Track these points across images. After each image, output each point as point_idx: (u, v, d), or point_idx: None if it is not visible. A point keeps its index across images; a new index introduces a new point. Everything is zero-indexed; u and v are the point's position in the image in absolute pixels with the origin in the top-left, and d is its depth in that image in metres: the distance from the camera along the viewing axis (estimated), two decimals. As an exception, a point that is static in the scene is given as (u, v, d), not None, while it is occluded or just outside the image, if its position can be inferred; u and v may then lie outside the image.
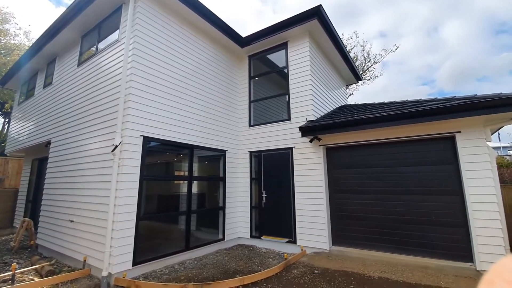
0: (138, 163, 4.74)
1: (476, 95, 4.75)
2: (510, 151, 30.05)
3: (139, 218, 4.64)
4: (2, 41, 15.19)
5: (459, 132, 4.72)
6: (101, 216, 4.57)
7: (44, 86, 8.19)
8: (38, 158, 8.63)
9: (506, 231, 4.21)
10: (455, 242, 4.61)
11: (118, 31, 5.49)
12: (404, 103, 5.98)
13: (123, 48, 5.05)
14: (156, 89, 5.28)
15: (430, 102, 5.18)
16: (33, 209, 8.32)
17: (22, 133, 9.05)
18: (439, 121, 4.64)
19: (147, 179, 5.02)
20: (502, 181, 9.73)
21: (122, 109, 4.69)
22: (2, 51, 14.97)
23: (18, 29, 20.44)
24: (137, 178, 4.68)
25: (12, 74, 9.76)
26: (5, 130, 18.39)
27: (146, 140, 4.93)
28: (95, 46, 6.19)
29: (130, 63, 4.91)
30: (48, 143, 7.05)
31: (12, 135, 10.01)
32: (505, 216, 4.24)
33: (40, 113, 7.94)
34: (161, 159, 6.09)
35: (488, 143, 4.48)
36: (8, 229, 8.95)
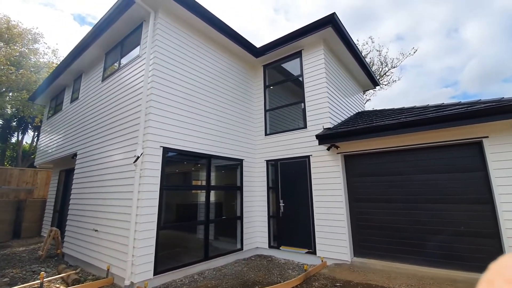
0: (158, 173, 4.87)
1: (503, 98, 4.52)
2: None
3: (159, 227, 4.73)
4: (32, 59, 16.32)
5: (487, 137, 4.49)
6: (123, 226, 4.71)
7: (71, 101, 8.67)
8: (65, 169, 9.07)
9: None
10: (486, 253, 4.33)
11: (139, 47, 5.76)
12: (425, 107, 5.79)
13: (144, 63, 5.28)
14: (175, 101, 5.45)
15: (454, 107, 4.98)
16: (60, 219, 8.69)
17: (50, 145, 9.57)
18: (464, 126, 4.44)
19: (167, 189, 5.13)
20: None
21: (143, 121, 4.87)
22: (32, 69, 16.07)
23: (47, 48, 22.00)
24: (157, 188, 4.79)
25: (42, 91, 10.43)
26: (35, 143, 19.55)
27: (166, 151, 5.07)
28: (117, 62, 6.51)
29: (151, 77, 5.12)
30: (75, 155, 7.41)
31: (41, 148, 10.62)
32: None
33: (67, 127, 8.38)
34: (180, 169, 6.22)
35: (519, 148, 4.23)
36: (36, 238, 9.40)
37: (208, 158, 6.02)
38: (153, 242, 4.59)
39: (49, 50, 19.06)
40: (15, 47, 14.77)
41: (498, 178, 4.27)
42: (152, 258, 4.54)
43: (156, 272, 4.56)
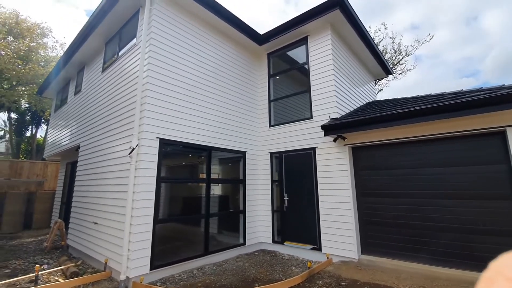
0: (155, 165, 4.69)
1: (532, 82, 4.04)
2: None
3: (156, 221, 4.58)
4: (41, 53, 16.50)
5: (511, 126, 4.04)
6: (119, 219, 4.59)
7: (75, 93, 8.63)
8: (71, 162, 9.11)
9: None
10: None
11: (136, 35, 5.54)
12: (441, 95, 5.33)
13: (140, 52, 5.06)
14: (173, 91, 5.23)
15: (474, 93, 4.52)
16: (66, 211, 8.77)
17: (57, 138, 9.64)
18: (485, 113, 4.00)
19: (164, 182, 4.96)
20: None
21: (138, 112, 4.68)
22: (41, 63, 16.26)
23: (55, 42, 22.21)
24: (153, 181, 4.62)
25: (48, 84, 10.48)
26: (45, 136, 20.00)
27: (163, 142, 4.87)
28: (116, 52, 6.33)
29: (146, 66, 4.90)
30: (78, 147, 7.37)
31: (49, 141, 10.74)
32: None
33: (72, 119, 8.37)
34: (179, 162, 6.03)
35: (550, 138, 3.77)
36: (46, 229, 9.56)
37: (209, 150, 5.80)
38: (149, 236, 4.45)
39: (57, 44, 19.19)
40: (24, 41, 14.92)
41: (524, 172, 3.84)
42: (148, 252, 4.40)
43: (153, 267, 4.43)
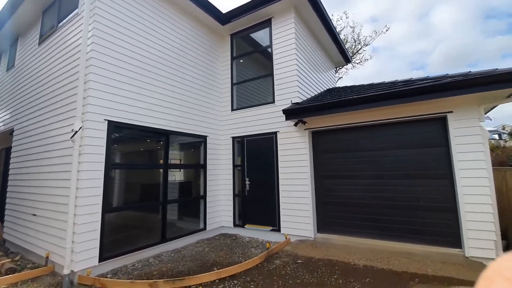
0: (103, 150, 4.28)
1: (470, 71, 4.42)
2: (495, 135, 30.56)
3: (106, 210, 4.23)
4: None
5: (451, 112, 4.41)
6: (61, 209, 4.15)
7: (7, 69, 7.49)
8: (5, 148, 8.00)
9: (497, 216, 4.00)
10: (443, 227, 4.40)
11: (78, 3, 4.86)
12: (393, 83, 5.63)
13: (83, 23, 4.46)
14: (126, 69, 4.75)
15: (422, 81, 4.83)
16: (1, 202, 7.78)
17: (-13, 121, 8.35)
18: (431, 100, 4.31)
19: (115, 168, 4.59)
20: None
21: (82, 90, 4.18)
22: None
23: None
24: (102, 167, 4.22)
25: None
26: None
27: (112, 125, 4.45)
28: (56, 22, 5.53)
29: (91, 38, 4.34)
30: (12, 131, 6.46)
31: (-22, 124, 9.27)
32: (496, 200, 4.01)
33: (3, 99, 7.27)
34: (135, 147, 5.61)
35: (481, 123, 4.20)
36: (-22, 224, 8.41)
37: (166, 134, 5.47)
38: (97, 226, 4.10)
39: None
40: None
41: (459, 154, 4.25)
42: (96, 243, 4.07)
43: (102, 258, 4.13)
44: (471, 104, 4.27)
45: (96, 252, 4.06)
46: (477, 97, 4.18)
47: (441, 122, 4.63)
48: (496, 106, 4.52)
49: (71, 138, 4.02)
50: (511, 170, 5.24)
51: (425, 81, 4.75)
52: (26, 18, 6.41)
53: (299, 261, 4.49)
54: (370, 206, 5.15)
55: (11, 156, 6.23)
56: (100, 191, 4.17)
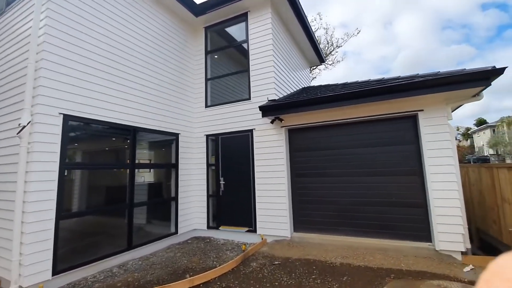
0: (58, 148, 3.77)
1: (439, 71, 4.59)
2: (458, 135, 33.33)
3: (60, 216, 3.74)
4: None
5: (422, 110, 4.55)
6: (6, 216, 3.60)
7: None
8: None
9: (465, 210, 4.19)
10: (414, 222, 4.53)
11: (28, -20, 4.26)
12: (367, 82, 5.72)
13: (35, 3, 3.91)
14: (85, 57, 4.26)
15: (394, 80, 4.94)
16: None
17: None
18: (402, 98, 4.41)
19: (72, 168, 4.10)
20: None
21: (32, 79, 3.64)
22: None
23: None
24: (55, 167, 3.72)
25: None
26: None
27: (69, 119, 3.95)
28: (4, 4, 4.84)
29: (44, 20, 3.82)
30: None
31: None
32: (463, 195, 4.20)
33: None
34: (96, 144, 5.08)
35: (449, 121, 4.37)
36: None
37: (133, 130, 5.03)
38: (50, 235, 3.61)
39: None
40: None
41: (429, 150, 4.39)
42: (49, 254, 3.58)
43: (56, 271, 3.64)
44: (440, 103, 4.43)
45: (49, 265, 3.56)
46: (445, 96, 4.34)
47: (412, 120, 4.76)
48: (461, 105, 4.75)
49: (17, 134, 3.49)
50: (473, 167, 5.58)
51: (397, 80, 4.85)
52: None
53: (276, 262, 4.35)
54: (344, 204, 5.17)
55: None
56: (53, 195, 3.66)
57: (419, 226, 4.48)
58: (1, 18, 4.77)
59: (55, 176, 3.71)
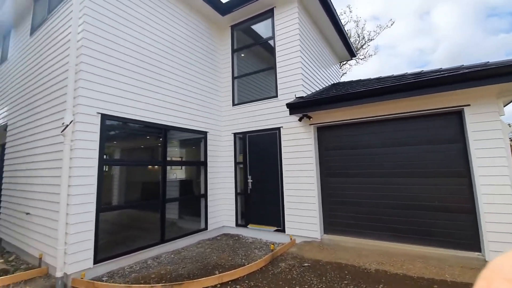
0: (96, 145, 4.02)
1: (488, 62, 4.11)
2: (511, 133, 30.06)
3: (100, 209, 3.99)
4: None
5: (468, 105, 4.12)
6: (54, 208, 3.92)
7: (1, 63, 7.23)
8: (0, 144, 7.78)
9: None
10: (460, 229, 4.13)
11: (71, -11, 4.58)
12: (403, 76, 5.32)
13: (73, 10, 4.17)
14: (120, 59, 4.48)
15: (434, 73, 4.53)
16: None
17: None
18: (445, 92, 4.01)
19: (110, 164, 4.35)
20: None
21: (72, 81, 3.90)
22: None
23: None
24: (95, 163, 3.97)
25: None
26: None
27: (106, 118, 4.18)
28: (46, 11, 5.27)
29: (82, 25, 4.07)
30: (6, 126, 6.23)
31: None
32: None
33: (-3, 93, 7.02)
34: (130, 142, 5.35)
35: (501, 117, 3.90)
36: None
37: (164, 129, 5.20)
38: (92, 226, 3.86)
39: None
40: None
41: (478, 150, 3.96)
42: (91, 244, 3.84)
43: (97, 260, 3.90)
44: (489, 97, 3.98)
45: (90, 254, 3.82)
46: (497, 89, 3.88)
47: (457, 116, 4.33)
48: (517, 99, 4.22)
49: (61, 132, 3.77)
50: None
51: (438, 73, 4.44)
52: (18, 8, 6.15)
53: (306, 264, 4.24)
54: (380, 206, 4.87)
55: (5, 153, 6.00)
56: (93, 189, 3.92)
57: (466, 234, 4.07)
58: (44, 25, 5.18)
59: (94, 171, 3.96)
